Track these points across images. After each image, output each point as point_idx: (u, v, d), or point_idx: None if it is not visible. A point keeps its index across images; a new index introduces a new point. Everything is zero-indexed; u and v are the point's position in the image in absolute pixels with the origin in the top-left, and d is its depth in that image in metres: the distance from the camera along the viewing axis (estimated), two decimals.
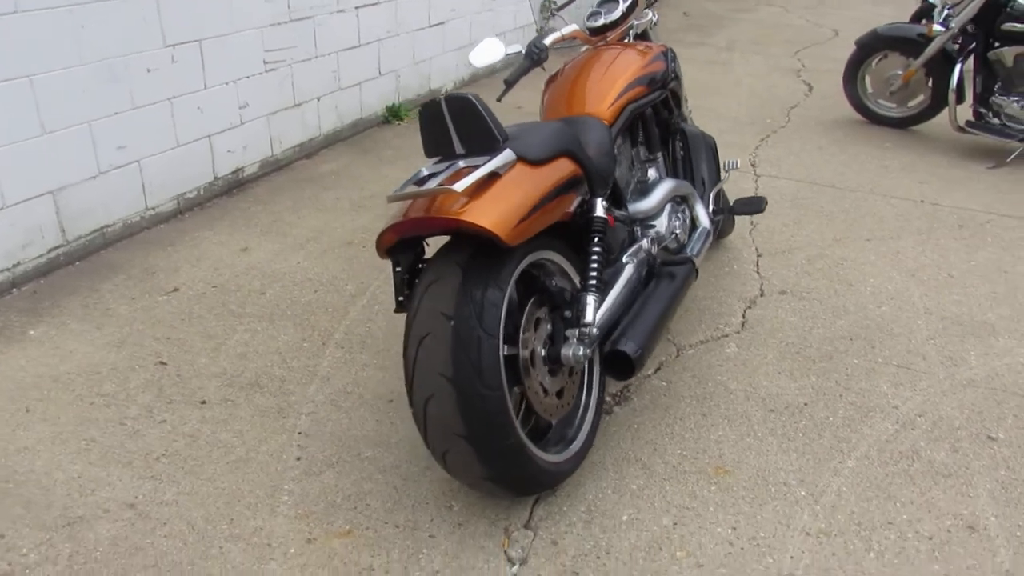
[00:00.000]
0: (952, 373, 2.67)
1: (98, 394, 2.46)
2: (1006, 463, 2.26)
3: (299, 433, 2.31)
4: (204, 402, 2.44)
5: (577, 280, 2.15)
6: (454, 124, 1.90)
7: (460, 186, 1.75)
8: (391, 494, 2.10)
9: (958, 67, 4.57)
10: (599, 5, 2.82)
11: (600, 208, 2.15)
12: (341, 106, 4.59)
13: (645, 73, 2.58)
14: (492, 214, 1.78)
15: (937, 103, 4.91)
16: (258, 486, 2.11)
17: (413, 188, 1.81)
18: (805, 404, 2.51)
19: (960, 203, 4.05)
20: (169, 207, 3.62)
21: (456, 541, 1.96)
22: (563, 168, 2.02)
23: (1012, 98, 4.52)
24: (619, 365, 2.01)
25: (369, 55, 4.72)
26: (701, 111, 5.11)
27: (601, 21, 2.77)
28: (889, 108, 5.14)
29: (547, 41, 2.74)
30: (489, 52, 2.78)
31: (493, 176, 1.85)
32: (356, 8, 4.51)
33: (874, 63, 5.07)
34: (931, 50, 4.68)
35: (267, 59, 3.97)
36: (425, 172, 1.95)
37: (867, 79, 5.14)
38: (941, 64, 4.73)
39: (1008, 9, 4.42)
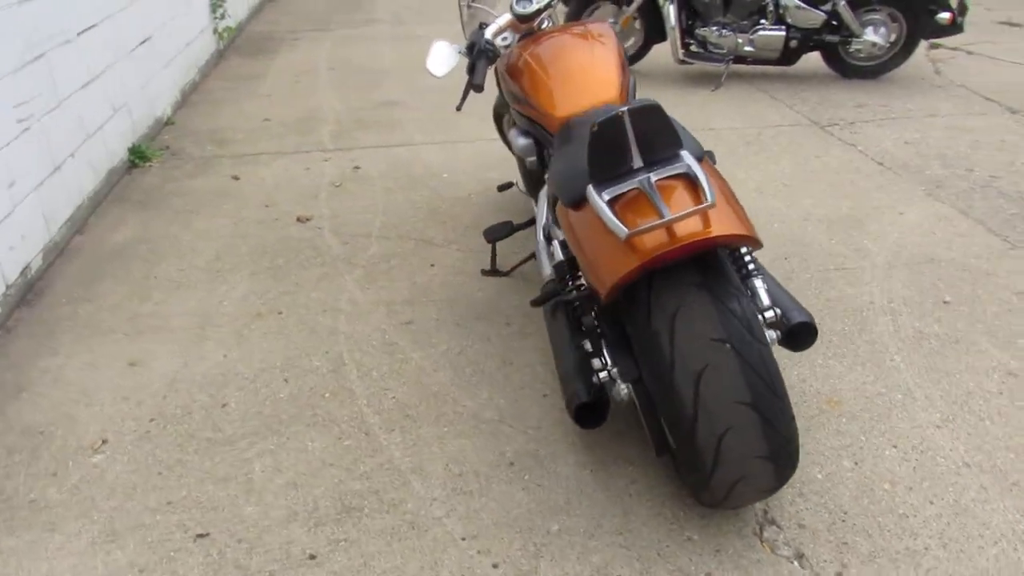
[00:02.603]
0: (873, 262, 3.15)
1: None
2: (974, 317, 2.77)
3: (469, 539, 1.93)
4: (313, 556, 1.89)
5: None
6: (636, 137, 1.71)
7: (712, 198, 1.60)
8: (627, 555, 1.88)
9: (672, 7, 5.17)
10: None
11: None
12: (94, 159, 3.65)
13: (622, 53, 2.53)
14: (737, 220, 1.67)
15: (648, 43, 5.52)
16: None
17: (661, 217, 1.61)
18: (819, 323, 2.77)
19: (725, 124, 4.67)
20: None
21: (733, 566, 1.85)
22: (708, 162, 1.94)
23: (711, 28, 5.27)
24: (801, 337, 2.02)
25: (101, 90, 3.79)
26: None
27: (534, 7, 2.61)
28: None
29: (488, 35, 2.55)
30: (445, 59, 2.53)
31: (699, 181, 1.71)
32: (78, 35, 3.58)
33: (588, 15, 5.48)
34: None
35: (19, 116, 2.99)
36: (607, 197, 1.73)
37: None
38: (649, 8, 5.31)
39: None
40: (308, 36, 6.89)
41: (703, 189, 1.65)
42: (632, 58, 5.59)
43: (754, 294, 1.99)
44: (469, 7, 2.89)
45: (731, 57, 5.26)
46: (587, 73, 2.40)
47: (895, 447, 2.21)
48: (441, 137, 4.51)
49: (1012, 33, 6.57)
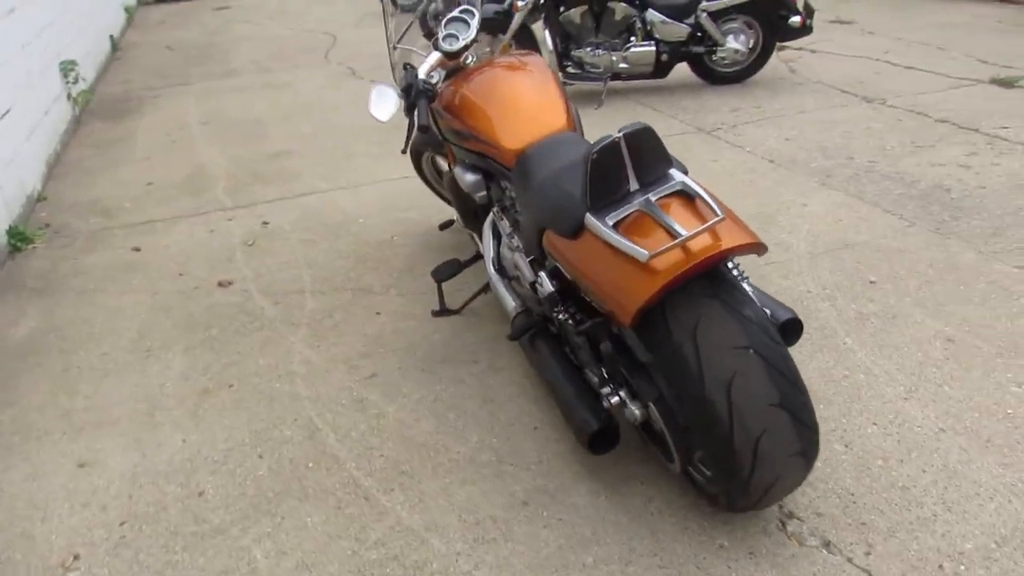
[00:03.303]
0: (798, 253, 3.33)
1: None
2: (901, 292, 2.98)
3: None
4: None
5: None
6: (631, 159, 1.73)
7: (721, 212, 1.65)
8: (668, 574, 1.88)
9: (547, 32, 5.30)
10: (446, 27, 2.63)
11: None
12: None
13: (559, 79, 2.56)
14: (744, 230, 1.72)
15: None
16: None
17: (673, 236, 1.63)
18: None
19: None
20: None
21: (770, 565, 1.88)
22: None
23: (585, 48, 5.44)
24: (788, 333, 2.09)
25: None
26: (368, 133, 5.00)
27: (460, 44, 2.60)
28: None
29: (421, 75, 2.53)
30: (388, 102, 2.49)
31: (697, 196, 1.76)
32: None
33: None
34: (515, 24, 5.29)
35: None
36: (611, 222, 1.73)
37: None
38: (524, 34, 5.41)
39: None
40: (168, 92, 6.55)
41: (708, 204, 1.70)
42: None
43: None
44: (395, 48, 2.85)
45: (608, 75, 5.45)
46: (533, 103, 2.42)
47: (875, 424, 2.33)
48: (343, 182, 4.40)
49: (844, 30, 7.18)
